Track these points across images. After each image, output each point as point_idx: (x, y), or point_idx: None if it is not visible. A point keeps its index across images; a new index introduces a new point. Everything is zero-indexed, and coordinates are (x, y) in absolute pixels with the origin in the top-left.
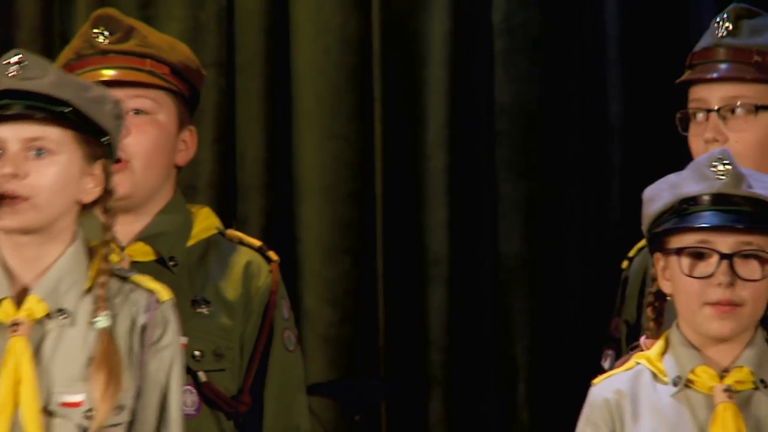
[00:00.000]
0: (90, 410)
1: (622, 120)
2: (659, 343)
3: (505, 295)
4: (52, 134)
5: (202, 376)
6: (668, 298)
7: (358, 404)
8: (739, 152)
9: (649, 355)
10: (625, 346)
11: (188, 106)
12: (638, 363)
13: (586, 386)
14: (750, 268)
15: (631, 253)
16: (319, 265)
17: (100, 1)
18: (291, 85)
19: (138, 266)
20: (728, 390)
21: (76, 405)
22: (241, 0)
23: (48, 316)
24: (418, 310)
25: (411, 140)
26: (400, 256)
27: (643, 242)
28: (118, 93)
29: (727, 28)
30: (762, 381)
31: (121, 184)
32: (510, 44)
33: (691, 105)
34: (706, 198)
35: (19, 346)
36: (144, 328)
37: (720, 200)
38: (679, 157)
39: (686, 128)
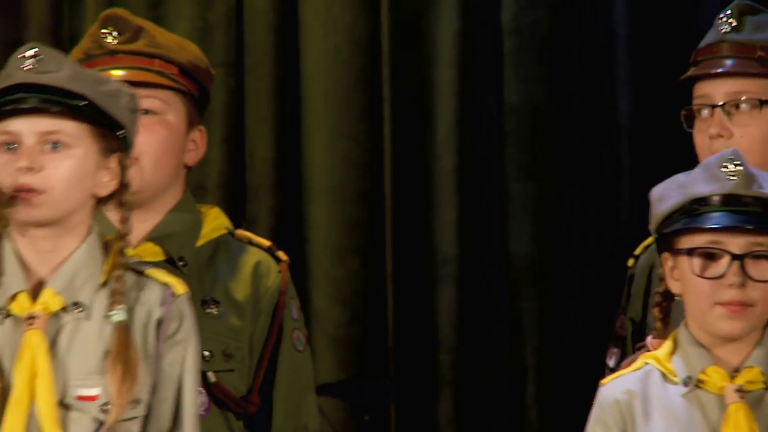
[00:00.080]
0: (106, 404)
1: (631, 120)
2: (667, 343)
3: (515, 295)
4: (67, 128)
5: (211, 376)
6: (676, 298)
7: (368, 404)
8: (744, 147)
9: (657, 355)
10: (630, 344)
11: (198, 106)
12: (647, 363)
13: (595, 386)
14: (761, 269)
15: (637, 251)
16: (328, 265)
17: (109, 1)
18: (300, 86)
19: None
20: (740, 390)
21: (92, 398)
22: (250, 0)
23: (64, 309)
24: (427, 310)
25: (420, 140)
26: (409, 256)
27: (649, 240)
28: None
29: (730, 24)
30: None
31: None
32: (519, 44)
33: (696, 101)
34: (716, 198)
35: (35, 340)
36: (159, 322)
37: (730, 201)
38: (689, 157)
39: (691, 125)
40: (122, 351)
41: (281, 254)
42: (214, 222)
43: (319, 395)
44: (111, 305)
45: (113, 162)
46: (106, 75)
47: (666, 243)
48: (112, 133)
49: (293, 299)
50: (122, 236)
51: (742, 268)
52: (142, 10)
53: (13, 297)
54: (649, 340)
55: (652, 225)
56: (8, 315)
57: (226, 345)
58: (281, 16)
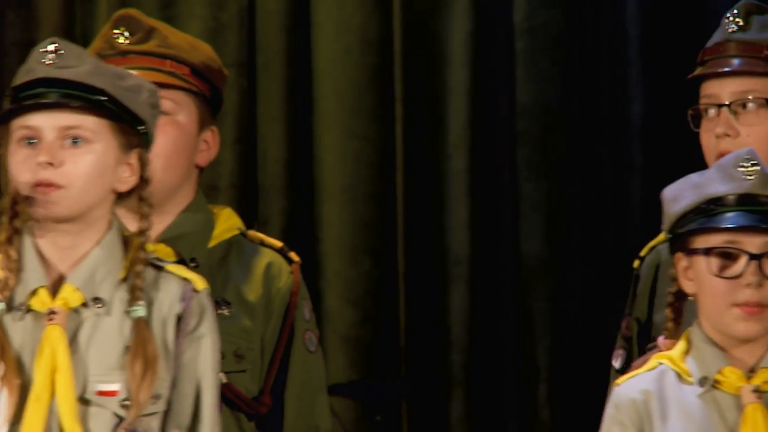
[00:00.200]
0: (126, 399)
1: (642, 119)
2: (681, 343)
3: (526, 295)
4: (88, 123)
5: (222, 377)
6: (690, 297)
7: (379, 404)
8: (752, 146)
9: (671, 355)
10: (635, 345)
11: (210, 107)
12: (661, 363)
13: (606, 386)
14: None
15: (642, 253)
16: (340, 266)
17: (121, 1)
18: (312, 86)
19: None
20: (757, 390)
21: (112, 394)
22: (263, 0)
23: (84, 304)
24: (439, 310)
25: (432, 140)
26: (421, 257)
27: (654, 241)
28: None
29: (737, 23)
30: None
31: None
32: (531, 44)
33: (703, 101)
34: (732, 198)
35: (55, 335)
36: (180, 317)
37: (747, 200)
38: (700, 157)
39: (698, 125)
40: (142, 347)
41: (293, 255)
42: (227, 223)
43: (330, 395)
44: (131, 301)
45: (133, 157)
46: (125, 70)
47: (680, 243)
48: (132, 129)
49: (305, 300)
50: (142, 232)
51: (760, 268)
52: (154, 10)
53: (34, 292)
54: (660, 340)
55: (665, 225)
56: (28, 310)
57: (237, 346)
58: (293, 16)
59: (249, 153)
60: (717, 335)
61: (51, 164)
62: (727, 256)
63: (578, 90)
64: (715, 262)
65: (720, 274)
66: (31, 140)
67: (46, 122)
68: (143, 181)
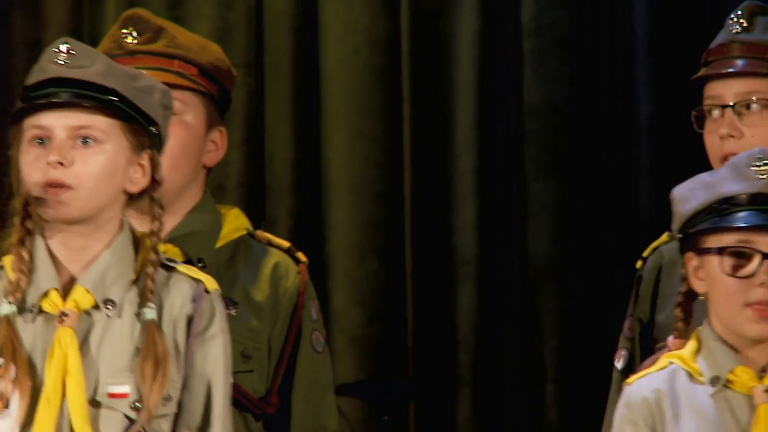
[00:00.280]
0: (136, 401)
1: (650, 119)
2: (691, 343)
3: (534, 295)
4: (99, 123)
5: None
6: (701, 297)
7: (387, 404)
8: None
9: (681, 355)
10: (638, 345)
11: (218, 107)
12: (671, 362)
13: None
14: None
15: (645, 253)
16: (347, 266)
17: (129, 1)
18: (320, 86)
19: None
20: None
21: (122, 396)
22: (270, 0)
23: (95, 306)
24: (446, 310)
25: (440, 140)
26: (429, 257)
27: (657, 242)
28: None
29: (741, 24)
30: None
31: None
32: (539, 44)
33: (707, 102)
34: (745, 197)
35: (66, 338)
36: (191, 318)
37: (760, 200)
38: (707, 157)
39: (702, 126)
40: (152, 349)
41: (300, 255)
42: (234, 223)
43: (338, 395)
44: (142, 303)
45: (145, 158)
46: (138, 71)
47: (690, 243)
48: (144, 129)
49: (312, 300)
50: (154, 233)
51: None
52: (162, 10)
53: (45, 294)
54: (670, 339)
55: (675, 225)
56: (40, 312)
57: (244, 346)
58: (301, 16)
59: (257, 153)
60: (728, 335)
61: (61, 164)
62: (740, 255)
63: (586, 90)
64: (728, 261)
65: (733, 273)
66: (42, 140)
67: (57, 122)
68: (155, 182)
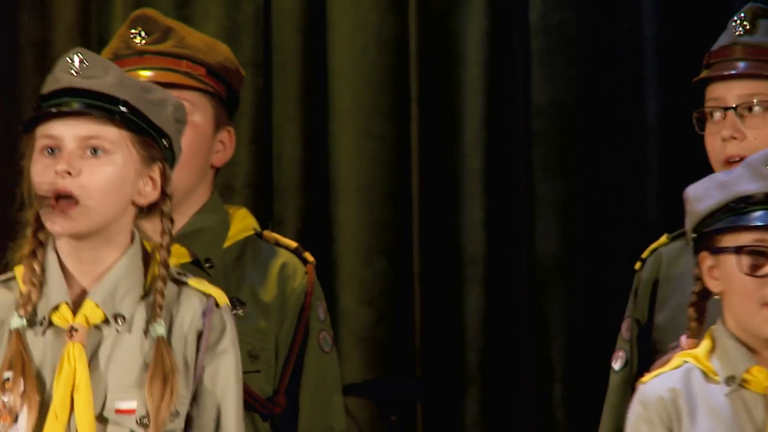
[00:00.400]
0: (143, 417)
1: (658, 119)
2: (705, 342)
3: (541, 295)
4: (108, 134)
5: None
6: (716, 296)
7: (394, 404)
8: (759, 149)
9: (696, 354)
10: (636, 346)
11: (226, 107)
12: (686, 361)
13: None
14: None
15: (644, 255)
16: (355, 266)
17: (137, 1)
18: (327, 86)
19: None
20: None
21: (130, 412)
22: (278, 0)
23: (105, 321)
24: (454, 310)
25: (447, 140)
26: (437, 256)
27: (656, 243)
28: None
29: (744, 26)
30: None
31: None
32: (546, 44)
33: (708, 104)
34: (761, 196)
35: (75, 353)
36: (201, 333)
37: None
38: None
39: (703, 128)
40: (161, 366)
41: (308, 255)
42: (242, 223)
43: (345, 395)
44: (152, 318)
45: (155, 171)
46: (152, 83)
47: (705, 242)
48: (155, 142)
49: (320, 300)
50: (164, 247)
51: None
52: (170, 10)
53: (55, 307)
54: (683, 339)
55: (689, 224)
56: (50, 325)
57: (252, 346)
58: (309, 16)
59: (264, 153)
60: (744, 334)
61: (69, 173)
62: (758, 254)
63: (594, 90)
64: (745, 260)
65: (750, 273)
66: (53, 150)
67: (67, 132)
68: (165, 195)
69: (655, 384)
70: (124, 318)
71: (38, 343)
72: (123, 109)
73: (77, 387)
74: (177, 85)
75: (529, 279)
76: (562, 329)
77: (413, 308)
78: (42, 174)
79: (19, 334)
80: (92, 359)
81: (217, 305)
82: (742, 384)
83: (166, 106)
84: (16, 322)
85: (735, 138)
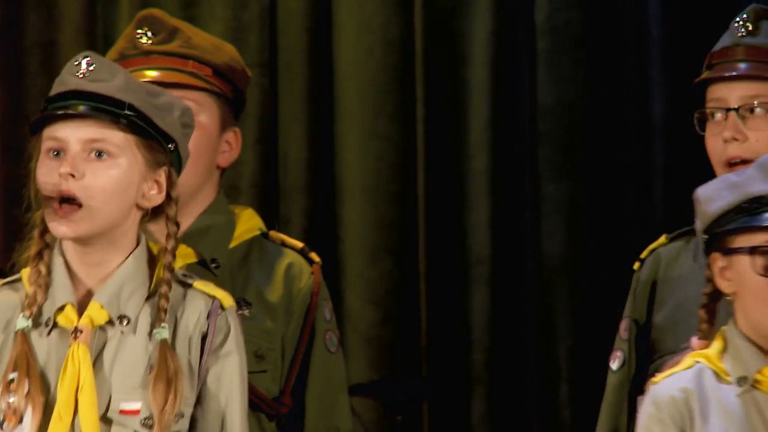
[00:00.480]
0: (148, 418)
1: (664, 120)
2: (717, 343)
3: (548, 295)
4: (113, 137)
5: None
6: (728, 298)
7: (400, 404)
8: (760, 151)
9: (708, 354)
10: (633, 346)
11: (232, 108)
12: (697, 362)
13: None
14: None
15: (643, 255)
16: (361, 266)
17: (143, 1)
18: (333, 86)
19: None
20: None
21: (134, 413)
22: (284, 0)
23: (109, 322)
24: (460, 310)
25: (453, 140)
26: (443, 256)
27: (655, 244)
28: None
29: (746, 27)
30: None
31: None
32: (553, 44)
33: (709, 104)
34: None
35: (79, 354)
36: (205, 335)
37: None
38: None
39: (703, 128)
40: (164, 370)
41: (314, 256)
42: (248, 223)
43: (351, 395)
44: (156, 321)
45: (161, 175)
46: (159, 87)
47: (717, 243)
48: (161, 146)
49: (326, 301)
50: (169, 251)
51: None
52: (176, 10)
53: (61, 308)
54: (693, 340)
55: (701, 225)
56: (55, 326)
57: (258, 346)
58: (315, 16)
59: (270, 153)
60: (756, 335)
61: (72, 176)
62: None
63: (600, 90)
64: (759, 261)
65: (765, 273)
66: (58, 152)
67: (72, 134)
68: (170, 199)
69: (667, 384)
70: (128, 319)
71: (43, 344)
72: (128, 112)
73: (81, 387)
74: (183, 85)
75: (535, 279)
76: (569, 329)
77: (419, 308)
78: (46, 176)
79: (24, 335)
80: (97, 360)
81: (222, 307)
82: (754, 384)
83: (173, 111)
84: (22, 322)
85: (736, 139)
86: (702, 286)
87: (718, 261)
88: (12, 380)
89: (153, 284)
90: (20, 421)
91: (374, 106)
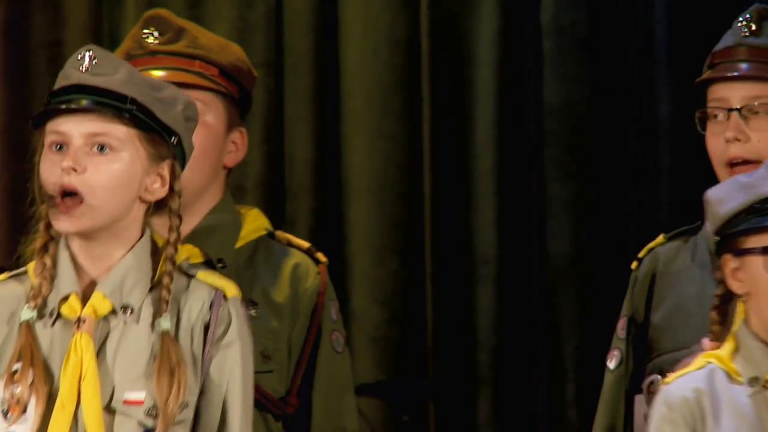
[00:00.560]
0: (151, 408)
1: (670, 120)
2: (728, 343)
3: (554, 295)
4: (116, 131)
5: None
6: (740, 300)
7: (407, 404)
8: (762, 152)
9: (719, 355)
10: (631, 345)
11: (238, 108)
12: (709, 362)
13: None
14: None
15: (641, 254)
16: (367, 266)
17: (149, 1)
18: (339, 86)
19: None
20: None
21: (138, 403)
22: (290, 0)
23: (113, 312)
24: (466, 310)
25: (459, 140)
26: (449, 257)
27: (653, 243)
28: None
29: (750, 27)
30: None
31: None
32: (558, 44)
33: (711, 104)
34: None
35: (82, 343)
36: (207, 325)
37: None
38: None
39: (704, 128)
40: (167, 361)
41: (320, 256)
42: (254, 223)
43: (357, 396)
44: (159, 312)
45: (164, 168)
46: (163, 81)
47: (728, 244)
48: (163, 140)
49: (332, 301)
50: (172, 243)
51: None
52: (182, 10)
53: (65, 298)
54: (705, 342)
55: (712, 227)
56: (59, 316)
57: (264, 346)
58: (321, 16)
59: (276, 153)
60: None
61: (74, 170)
62: None
63: (606, 90)
64: None
65: None
66: (60, 146)
67: (74, 128)
68: (173, 192)
69: (679, 384)
70: (132, 309)
71: (47, 335)
72: (131, 106)
73: (84, 377)
74: (189, 85)
75: (541, 279)
76: (575, 329)
77: (425, 308)
78: (49, 170)
79: (28, 326)
80: (100, 350)
81: (225, 297)
82: (766, 385)
83: (176, 104)
84: (26, 314)
85: (738, 140)
86: (700, 286)
87: (730, 262)
88: (16, 371)
89: (156, 276)
90: (24, 411)
91: (380, 106)
